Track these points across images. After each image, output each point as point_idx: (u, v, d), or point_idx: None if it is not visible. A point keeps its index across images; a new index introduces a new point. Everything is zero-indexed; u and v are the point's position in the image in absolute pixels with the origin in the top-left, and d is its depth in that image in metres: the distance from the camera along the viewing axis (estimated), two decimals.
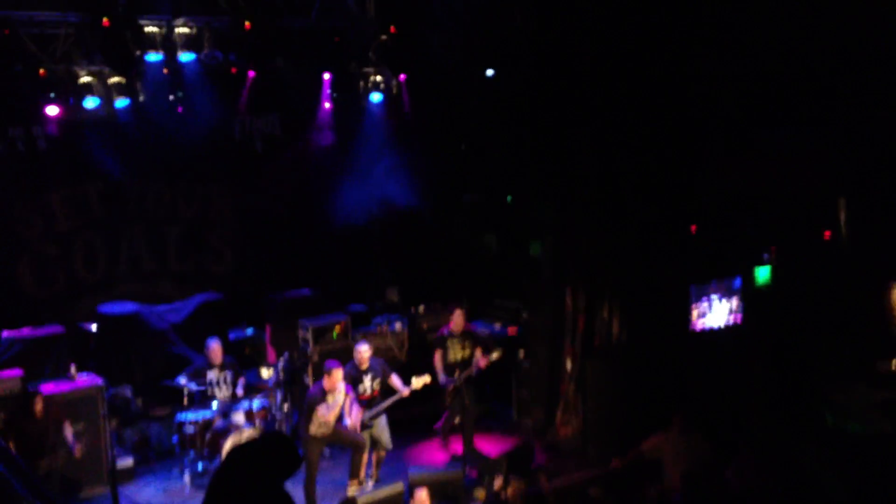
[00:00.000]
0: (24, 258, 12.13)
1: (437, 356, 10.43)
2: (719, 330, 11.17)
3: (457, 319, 10.49)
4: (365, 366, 9.72)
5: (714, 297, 11.21)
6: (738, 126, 11.60)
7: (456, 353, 10.40)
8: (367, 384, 9.75)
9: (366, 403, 9.66)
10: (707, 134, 11.36)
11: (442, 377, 10.26)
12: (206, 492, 3.58)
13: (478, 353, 10.41)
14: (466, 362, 10.33)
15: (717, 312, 11.19)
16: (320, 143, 13.91)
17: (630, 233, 10.95)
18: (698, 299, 11.10)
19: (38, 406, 8.84)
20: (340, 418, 9.34)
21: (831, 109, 11.42)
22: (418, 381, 9.80)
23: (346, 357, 9.93)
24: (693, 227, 11.61)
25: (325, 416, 9.07)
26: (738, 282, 11.47)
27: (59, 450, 8.80)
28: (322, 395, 9.14)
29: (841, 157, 11.72)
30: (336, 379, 9.15)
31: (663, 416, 9.58)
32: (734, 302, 11.33)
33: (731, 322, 11.29)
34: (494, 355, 10.33)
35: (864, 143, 11.54)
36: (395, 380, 9.82)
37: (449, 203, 13.79)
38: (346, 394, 9.30)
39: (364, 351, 9.75)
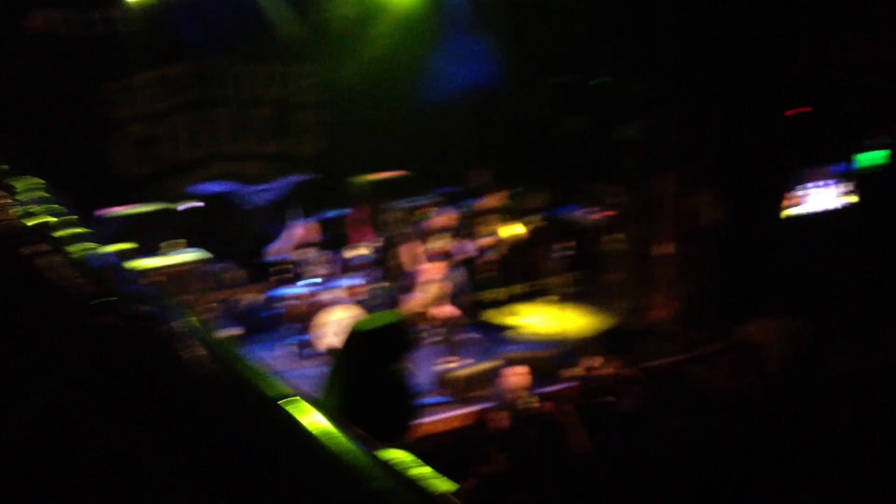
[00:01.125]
0: (114, 139, 12.25)
1: None
2: (821, 214, 10.87)
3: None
4: (439, 227, 10.29)
5: (817, 182, 10.87)
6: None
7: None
8: (433, 245, 10.11)
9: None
10: (803, 14, 10.83)
11: None
12: (329, 371, 3.67)
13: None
14: None
15: (818, 197, 10.86)
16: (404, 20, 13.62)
17: (724, 115, 10.63)
18: (799, 184, 10.77)
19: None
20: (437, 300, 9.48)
21: None
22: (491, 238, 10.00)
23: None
24: (789, 112, 11.20)
25: (416, 300, 9.19)
26: (838, 167, 11.08)
27: None
28: (414, 281, 9.24)
29: None
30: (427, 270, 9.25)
31: (761, 301, 9.47)
32: (839, 187, 10.96)
33: (835, 207, 10.95)
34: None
35: None
36: (455, 245, 10.20)
37: (536, 86, 13.45)
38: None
39: (434, 216, 10.25)
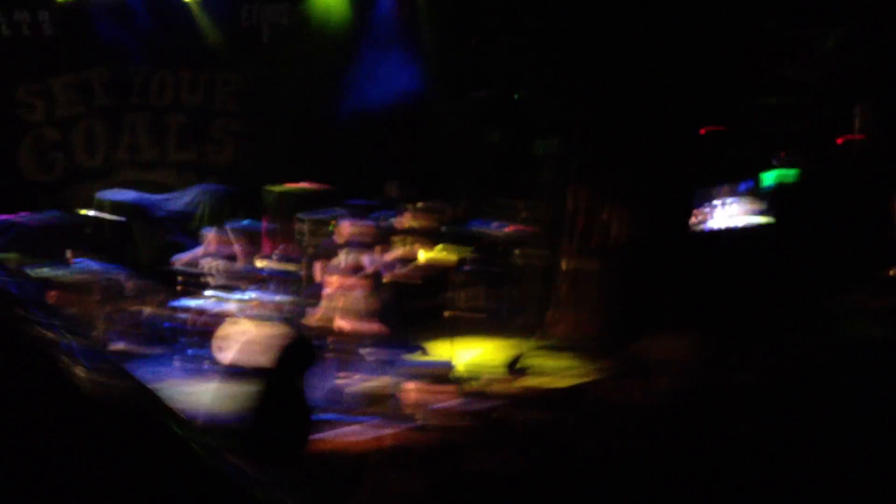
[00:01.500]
0: (26, 143, 12.11)
1: None
2: (722, 232, 11.01)
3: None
4: (342, 241, 9.97)
5: (720, 200, 11.01)
6: (752, 23, 11.18)
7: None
8: (342, 258, 9.89)
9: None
10: (720, 32, 10.96)
11: None
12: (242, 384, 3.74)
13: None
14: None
15: (721, 215, 11.01)
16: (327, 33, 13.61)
17: (637, 133, 10.72)
18: (703, 202, 10.92)
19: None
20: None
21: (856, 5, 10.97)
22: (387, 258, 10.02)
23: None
24: (702, 130, 11.34)
25: (316, 314, 9.16)
26: (745, 185, 11.24)
27: None
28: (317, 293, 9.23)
29: (862, 61, 11.29)
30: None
31: (659, 317, 9.55)
32: (740, 205, 11.12)
33: (735, 225, 11.10)
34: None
35: (887, 47, 11.08)
36: (366, 258, 9.97)
37: (456, 99, 13.49)
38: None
39: (345, 227, 10.05)
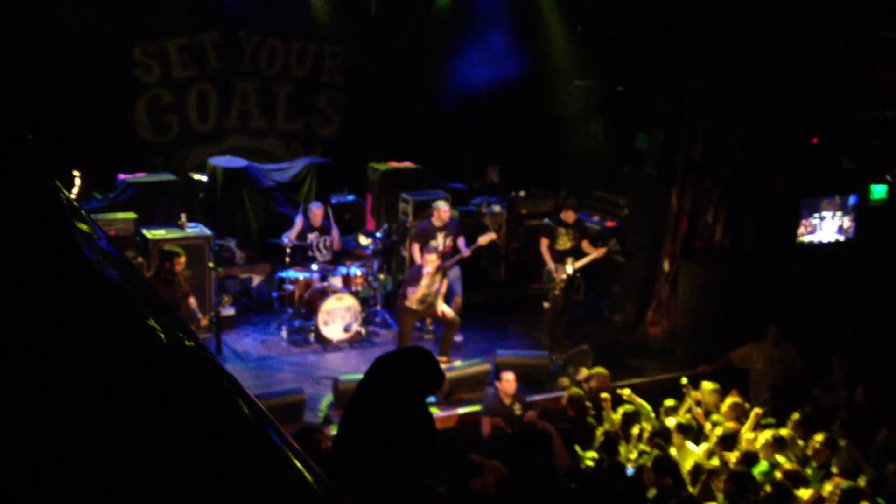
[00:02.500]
0: (141, 103, 12.40)
1: (545, 244, 10.46)
2: (826, 245, 10.86)
3: (568, 212, 10.49)
4: (440, 224, 10.09)
5: (826, 212, 10.86)
6: (871, 30, 10.93)
7: (564, 242, 10.40)
8: (440, 240, 10.08)
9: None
10: (837, 35, 10.74)
11: (552, 265, 10.30)
12: (350, 400, 3.59)
13: (585, 244, 10.39)
14: (573, 252, 10.34)
15: (826, 228, 10.86)
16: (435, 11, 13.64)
17: (746, 136, 10.60)
18: (809, 214, 10.78)
19: (179, 265, 8.72)
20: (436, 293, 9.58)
21: None
22: (483, 239, 10.04)
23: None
24: (814, 139, 11.15)
25: (411, 296, 9.30)
26: (853, 199, 11.06)
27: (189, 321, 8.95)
28: (418, 275, 9.35)
29: None
30: (428, 262, 9.36)
31: (757, 326, 9.51)
32: (846, 219, 10.95)
33: (841, 239, 10.95)
34: (599, 252, 10.29)
35: None
36: (461, 240, 10.14)
37: (559, 87, 13.46)
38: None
39: (444, 210, 10.12)
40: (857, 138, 11.22)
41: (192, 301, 8.90)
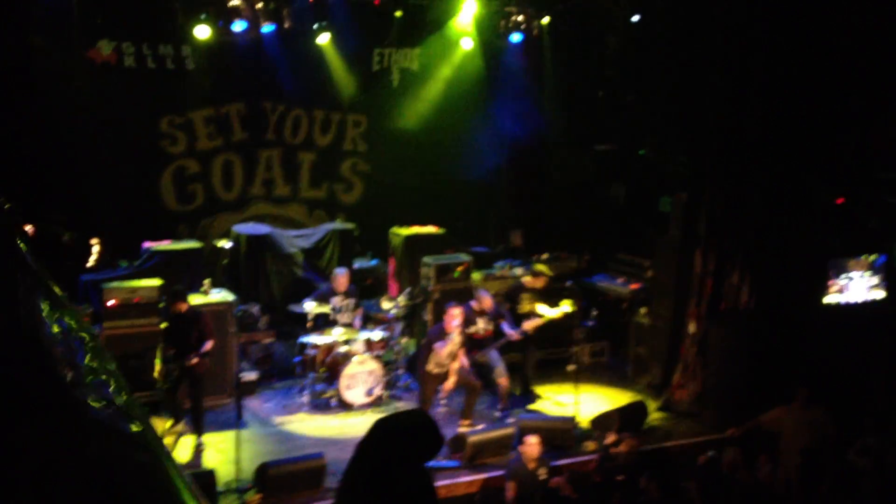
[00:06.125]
0: (167, 173, 12.62)
1: None
2: (855, 305, 10.69)
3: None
4: (479, 309, 9.96)
5: (854, 272, 10.72)
6: (887, 86, 10.92)
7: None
8: (481, 325, 9.98)
9: (478, 343, 9.94)
10: (860, 97, 10.75)
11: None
12: (349, 462, 3.48)
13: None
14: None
15: (855, 288, 10.70)
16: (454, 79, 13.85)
17: (769, 196, 10.56)
18: (837, 274, 10.63)
19: (182, 306, 9.01)
20: (457, 358, 9.49)
21: None
22: (529, 325, 9.94)
23: (465, 297, 10.10)
24: (840, 199, 11.08)
25: (441, 352, 9.21)
26: (882, 259, 10.92)
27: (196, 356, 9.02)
28: (440, 334, 9.29)
29: None
30: (451, 318, 9.27)
31: (786, 389, 9.31)
32: (876, 279, 10.80)
33: (869, 298, 10.78)
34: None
35: None
36: (506, 324, 10.00)
37: (580, 151, 13.56)
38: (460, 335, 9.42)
39: (486, 299, 10.00)
40: (882, 198, 11.12)
41: (210, 343, 9.06)
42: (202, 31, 11.53)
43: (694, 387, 10.27)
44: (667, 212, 11.90)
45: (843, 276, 10.63)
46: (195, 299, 10.02)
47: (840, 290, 10.63)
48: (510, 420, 9.62)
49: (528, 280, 10.63)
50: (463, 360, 9.59)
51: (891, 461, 8.24)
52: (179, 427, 9.08)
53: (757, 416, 9.29)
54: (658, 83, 11.96)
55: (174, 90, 12.42)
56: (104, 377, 2.03)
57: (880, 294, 10.84)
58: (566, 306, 10.37)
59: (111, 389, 1.99)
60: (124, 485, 1.66)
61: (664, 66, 11.84)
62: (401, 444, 3.41)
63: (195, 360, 8.86)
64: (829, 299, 10.65)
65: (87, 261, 11.23)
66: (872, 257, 10.89)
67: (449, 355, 9.29)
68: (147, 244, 11.28)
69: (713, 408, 10.05)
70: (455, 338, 9.29)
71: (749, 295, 10.33)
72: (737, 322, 10.28)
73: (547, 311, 10.36)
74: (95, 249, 10.88)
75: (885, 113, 11.03)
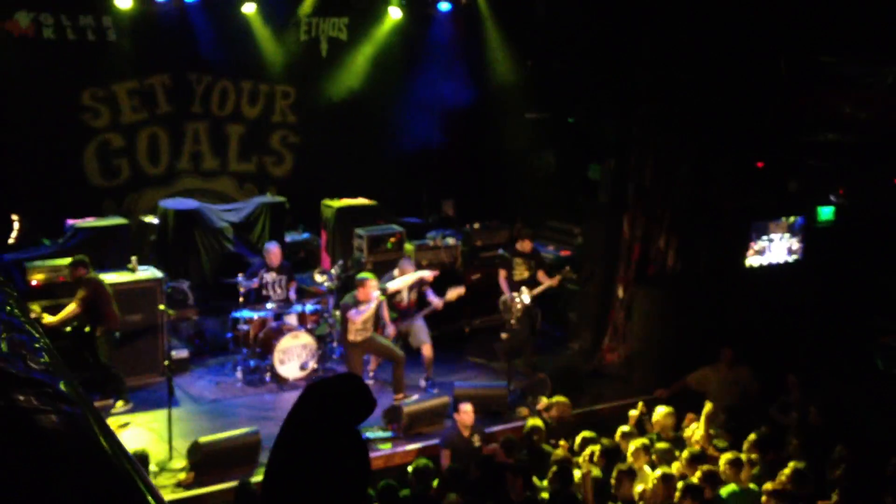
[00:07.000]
0: (90, 148, 12.31)
1: (502, 275, 10.53)
2: (776, 266, 11.03)
3: (524, 242, 10.59)
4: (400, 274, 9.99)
5: (775, 234, 11.04)
6: (812, 55, 11.19)
7: (521, 272, 10.47)
8: (405, 294, 10.01)
9: (402, 312, 10.06)
10: (778, 61, 11.00)
11: (508, 295, 10.35)
12: (281, 429, 3.48)
13: (540, 274, 10.48)
14: (530, 282, 10.41)
15: (776, 250, 11.04)
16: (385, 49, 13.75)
17: (694, 163, 10.78)
18: (758, 236, 10.95)
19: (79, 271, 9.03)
20: (379, 327, 9.55)
21: None
22: (452, 293, 10.02)
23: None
24: (760, 164, 11.37)
25: (356, 320, 9.22)
26: (800, 221, 11.27)
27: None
28: (354, 303, 9.30)
29: None
30: (370, 289, 9.28)
31: (712, 349, 9.60)
32: (794, 240, 11.14)
33: (790, 259, 11.13)
34: (553, 280, 10.41)
35: None
36: (431, 293, 10.05)
37: (511, 120, 13.62)
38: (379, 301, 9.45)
39: (408, 268, 9.99)
40: (802, 161, 11.44)
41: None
42: (124, 2, 11.24)
43: (623, 350, 10.50)
44: (596, 179, 12.06)
45: (764, 238, 10.94)
46: (122, 277, 9.88)
47: (761, 252, 10.94)
48: (434, 390, 9.72)
49: (520, 244, 10.62)
50: (389, 330, 9.67)
51: (813, 417, 8.55)
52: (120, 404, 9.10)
53: (684, 376, 9.58)
54: (585, 50, 12.04)
55: (96, 62, 12.04)
56: (28, 334, 2.00)
57: (800, 255, 11.19)
58: (565, 274, 10.51)
59: (37, 346, 1.97)
60: (48, 434, 1.64)
61: (591, 33, 11.94)
62: (333, 408, 3.38)
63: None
64: (750, 261, 10.97)
65: (6, 238, 10.94)
66: (792, 219, 11.22)
67: (363, 322, 9.29)
68: (71, 221, 11.03)
69: (642, 370, 10.30)
70: (371, 305, 9.29)
71: (675, 259, 10.57)
72: (663, 285, 10.53)
73: (545, 278, 10.44)
74: (15, 226, 10.59)
75: (804, 78, 11.30)
